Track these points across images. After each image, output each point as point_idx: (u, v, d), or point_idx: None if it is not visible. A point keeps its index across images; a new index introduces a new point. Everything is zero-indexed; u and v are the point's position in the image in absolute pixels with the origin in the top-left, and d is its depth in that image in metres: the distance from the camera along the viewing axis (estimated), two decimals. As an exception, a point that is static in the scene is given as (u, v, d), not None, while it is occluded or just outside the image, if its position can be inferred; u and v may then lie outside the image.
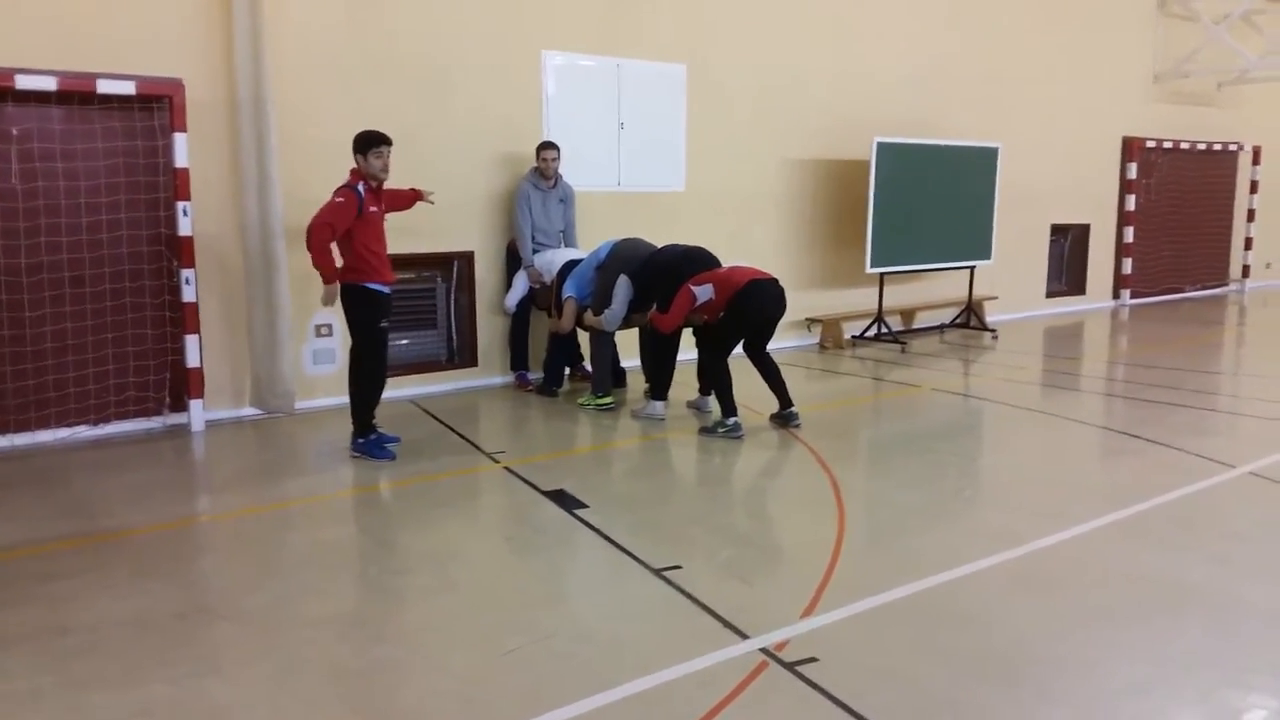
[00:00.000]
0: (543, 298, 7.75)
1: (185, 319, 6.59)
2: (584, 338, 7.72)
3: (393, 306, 5.99)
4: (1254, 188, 14.53)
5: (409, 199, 6.41)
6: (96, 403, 6.48)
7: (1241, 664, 3.36)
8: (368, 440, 5.98)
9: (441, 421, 6.92)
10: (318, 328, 7.25)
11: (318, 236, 5.57)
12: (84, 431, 6.44)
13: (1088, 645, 3.49)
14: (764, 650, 3.42)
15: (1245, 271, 14.90)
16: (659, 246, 7.08)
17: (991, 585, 4.06)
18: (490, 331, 8.12)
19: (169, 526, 4.83)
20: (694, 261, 6.74)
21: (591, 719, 2.99)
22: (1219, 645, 3.50)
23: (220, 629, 3.72)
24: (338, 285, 5.69)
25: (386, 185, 5.96)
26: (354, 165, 5.77)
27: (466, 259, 7.95)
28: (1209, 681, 3.24)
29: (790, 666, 3.30)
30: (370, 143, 5.73)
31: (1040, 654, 3.43)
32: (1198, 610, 3.79)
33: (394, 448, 6.04)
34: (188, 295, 6.55)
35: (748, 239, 9.22)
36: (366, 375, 5.92)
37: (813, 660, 3.34)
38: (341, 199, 5.64)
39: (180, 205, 6.44)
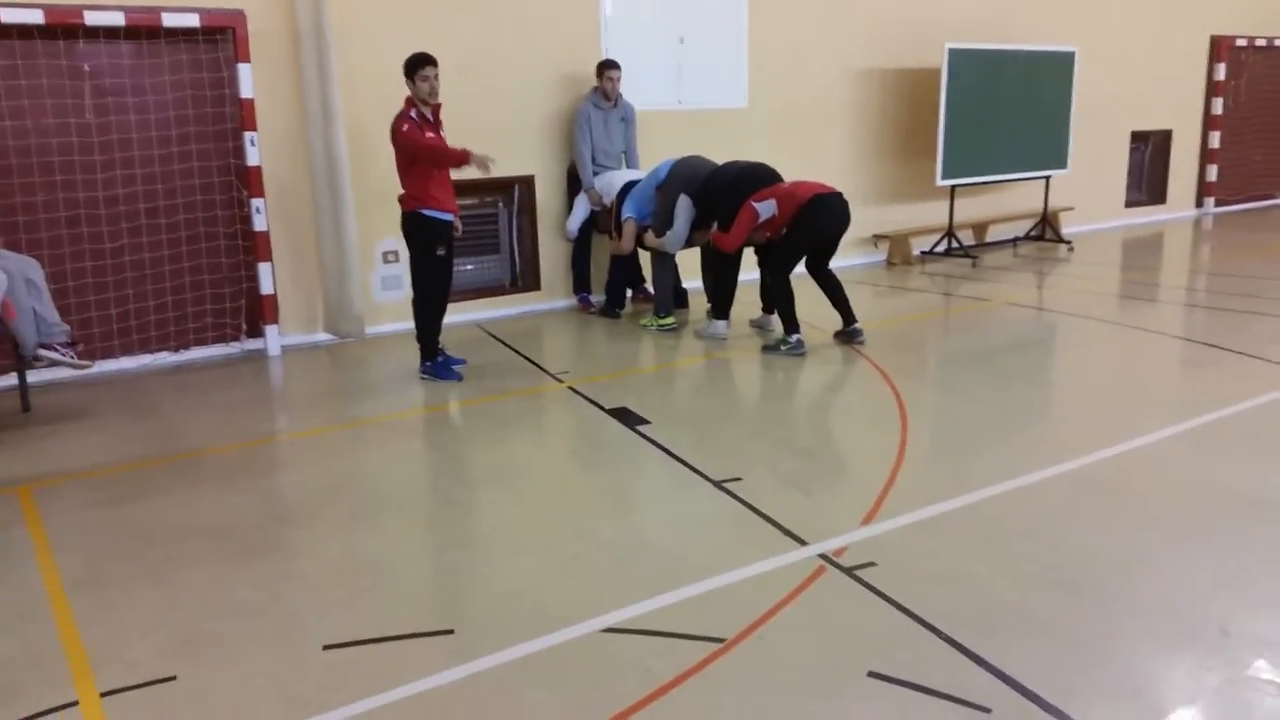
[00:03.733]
0: (603, 220, 7.73)
1: (258, 247, 6.76)
2: (645, 259, 7.72)
3: (453, 235, 6.01)
4: (1354, 85, 13.69)
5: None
6: (176, 330, 6.73)
7: (1314, 569, 3.30)
8: (435, 363, 6.11)
9: (506, 344, 7.03)
10: (384, 254, 7.37)
11: (425, 154, 5.64)
12: (166, 358, 6.71)
13: (1153, 554, 3.46)
14: (822, 555, 3.47)
15: (1342, 175, 14.13)
16: (719, 164, 7.00)
17: (1056, 494, 4.02)
18: (552, 255, 8.16)
19: (250, 445, 5.04)
20: (755, 178, 6.65)
21: (651, 619, 3.08)
22: (1291, 552, 3.43)
23: (300, 538, 3.90)
24: (469, 153, 5.61)
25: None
26: (408, 93, 5.78)
27: (527, 183, 7.96)
28: (1276, 590, 3.19)
29: (849, 571, 3.34)
30: (415, 65, 5.69)
31: (1105, 561, 3.40)
32: (1268, 521, 3.71)
33: (461, 369, 6.17)
34: (259, 224, 6.71)
35: (812, 154, 8.99)
36: (425, 301, 6.01)
37: (871, 565, 3.37)
38: (406, 126, 5.67)
39: (248, 136, 6.56)
